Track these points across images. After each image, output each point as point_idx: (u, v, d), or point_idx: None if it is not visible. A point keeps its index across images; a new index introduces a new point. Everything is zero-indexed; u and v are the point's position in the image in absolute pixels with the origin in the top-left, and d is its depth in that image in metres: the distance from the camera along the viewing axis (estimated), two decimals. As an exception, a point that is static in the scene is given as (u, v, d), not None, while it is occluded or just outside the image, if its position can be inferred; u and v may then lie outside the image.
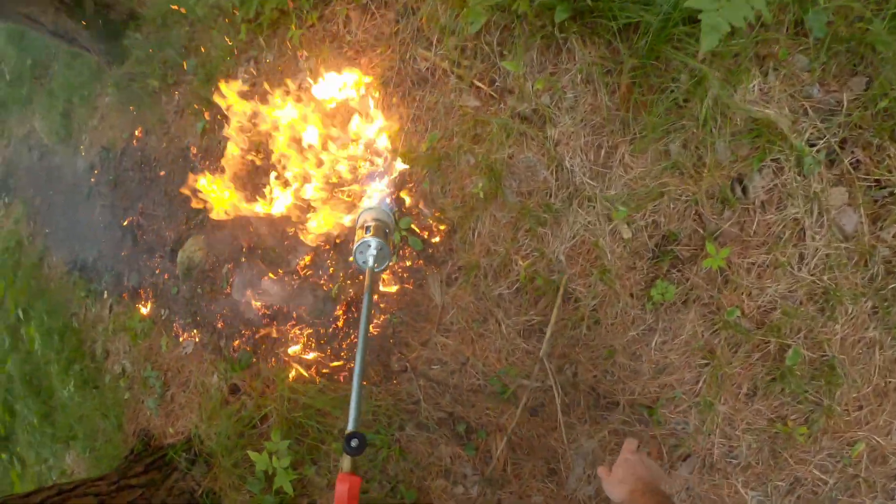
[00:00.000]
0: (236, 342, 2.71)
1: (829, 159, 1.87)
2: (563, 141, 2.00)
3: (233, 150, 2.71)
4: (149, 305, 3.27)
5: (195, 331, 2.93)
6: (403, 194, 2.26)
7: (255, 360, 2.60)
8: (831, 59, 1.89)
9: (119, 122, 3.87)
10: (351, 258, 1.59)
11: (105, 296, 3.68)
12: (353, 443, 1.14)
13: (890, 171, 1.82)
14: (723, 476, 1.91)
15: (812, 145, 1.86)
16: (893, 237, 1.82)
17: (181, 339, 2.97)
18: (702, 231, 1.90)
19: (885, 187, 1.83)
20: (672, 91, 1.87)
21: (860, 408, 1.83)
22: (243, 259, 2.73)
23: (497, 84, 2.09)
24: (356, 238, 1.55)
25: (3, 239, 5.17)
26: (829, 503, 1.89)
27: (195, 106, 3.08)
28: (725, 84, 1.86)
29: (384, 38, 2.32)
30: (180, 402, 2.85)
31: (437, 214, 2.19)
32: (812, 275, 1.85)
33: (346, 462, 1.15)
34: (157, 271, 3.30)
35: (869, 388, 1.82)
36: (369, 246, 1.50)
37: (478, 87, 2.11)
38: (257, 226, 2.67)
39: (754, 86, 1.88)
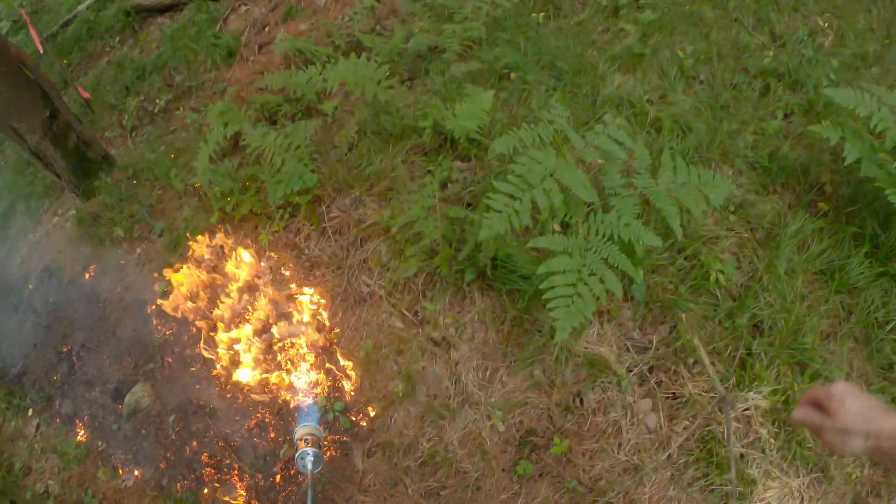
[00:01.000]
0: (178, 484, 3.12)
1: (640, 380, 2.79)
2: (461, 361, 2.82)
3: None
4: (84, 434, 3.52)
5: (136, 468, 3.27)
6: (341, 383, 2.99)
7: (198, 501, 3.07)
8: (648, 314, 2.86)
9: (70, 251, 4.17)
10: (293, 459, 2.15)
11: (30, 413, 3.84)
12: None
13: (682, 387, 2.75)
14: None
15: (630, 370, 2.78)
16: (683, 429, 2.72)
17: (120, 472, 3.30)
18: (552, 428, 2.74)
19: (678, 397, 2.75)
20: (539, 335, 2.75)
21: (672, 544, 2.68)
22: (192, 413, 3.22)
23: (419, 315, 2.90)
24: (297, 447, 2.07)
25: None
26: None
27: (156, 274, 3.59)
28: (574, 333, 2.74)
29: (336, 259, 3.08)
30: (115, 536, 3.18)
31: (363, 402, 2.92)
32: (626, 457, 2.72)
33: None
34: (95, 405, 3.57)
35: (677, 531, 2.67)
36: (308, 454, 2.03)
37: (404, 314, 2.90)
38: (206, 387, 3.27)
39: (593, 331, 2.80)
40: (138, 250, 3.80)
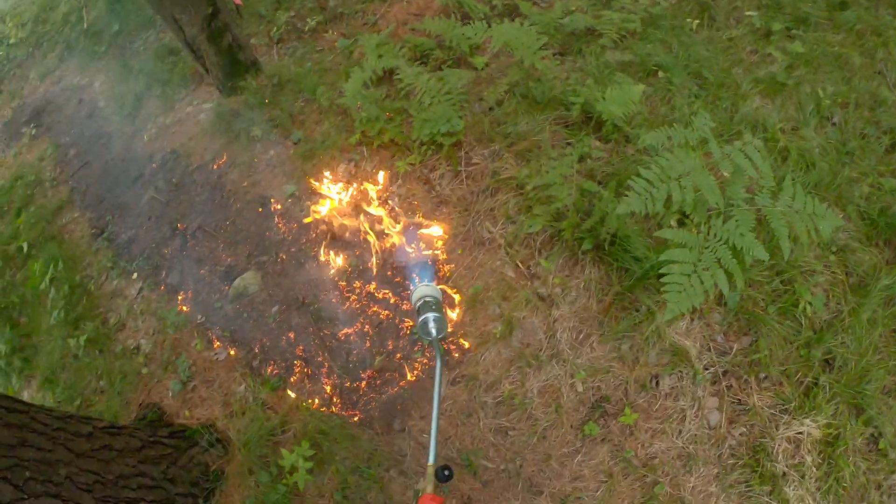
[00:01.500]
0: (269, 368, 3.44)
1: (713, 379, 3.01)
2: (559, 320, 3.07)
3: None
4: (186, 306, 3.84)
5: (230, 346, 3.59)
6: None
7: (285, 385, 3.36)
8: (735, 323, 3.07)
9: (202, 140, 4.49)
10: (414, 330, 1.96)
11: (134, 276, 4.17)
12: (447, 472, 1.40)
13: (748, 396, 2.97)
14: (595, 562, 2.95)
15: (706, 368, 3.00)
16: (739, 435, 2.95)
17: (215, 346, 3.62)
18: (625, 400, 2.98)
19: (742, 404, 2.98)
20: (635, 314, 2.99)
21: (694, 540, 2.92)
22: (295, 308, 3.54)
23: (531, 269, 3.15)
24: (418, 314, 1.87)
25: (19, 167, 5.45)
26: None
27: (286, 177, 3.89)
28: (665, 321, 2.98)
29: (464, 202, 3.34)
30: (202, 395, 3.49)
31: (460, 335, 3.19)
32: (683, 444, 2.96)
33: (430, 486, 1.41)
34: (201, 282, 3.88)
35: (703, 526, 2.91)
36: (429, 320, 1.82)
37: (517, 266, 3.15)
38: (315, 289, 3.57)
39: (683, 325, 3.03)
40: (272, 152, 4.09)
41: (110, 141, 5.16)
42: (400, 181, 3.54)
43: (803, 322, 3.09)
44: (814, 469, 2.97)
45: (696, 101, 3.50)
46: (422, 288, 1.86)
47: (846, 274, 3.27)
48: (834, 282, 3.24)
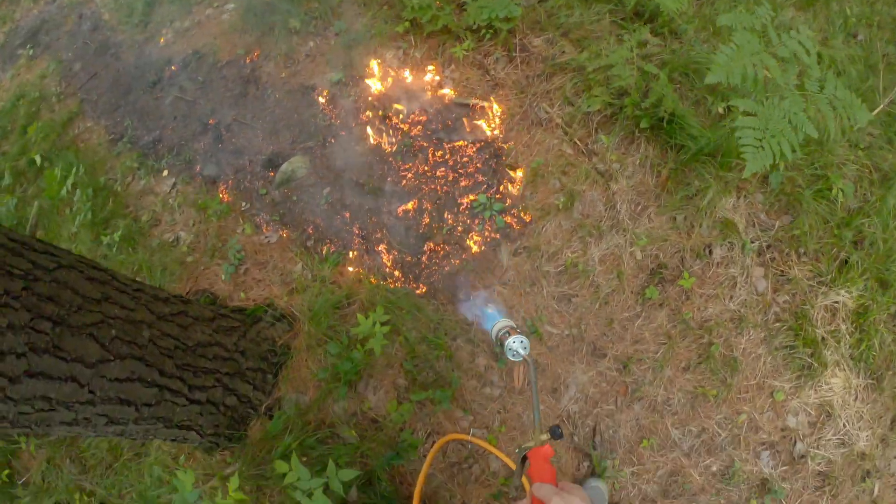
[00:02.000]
0: (326, 247, 3.43)
1: (758, 252, 3.21)
2: (618, 193, 3.20)
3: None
4: (227, 195, 3.79)
5: (281, 229, 3.55)
6: (504, 187, 3.35)
7: (345, 262, 3.36)
8: (776, 203, 3.28)
9: (227, 37, 4.39)
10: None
11: (165, 173, 4.07)
12: (558, 430, 1.42)
13: (790, 268, 3.18)
14: (660, 416, 3.05)
15: (752, 241, 3.20)
16: (783, 302, 3.16)
17: (265, 230, 3.58)
18: (681, 267, 3.15)
19: (784, 275, 3.18)
20: (689, 188, 3.16)
21: (747, 392, 3.08)
22: (348, 188, 3.51)
23: (588, 147, 3.27)
24: (503, 339, 1.92)
25: (19, 87, 5.23)
26: (721, 450, 3.10)
27: (329, 65, 3.86)
28: (718, 194, 3.16)
29: (520, 85, 3.43)
30: (255, 276, 3.46)
31: (521, 208, 3.29)
32: (735, 307, 3.15)
33: (543, 438, 1.43)
34: (242, 171, 3.82)
35: (753, 381, 3.08)
36: (516, 342, 1.86)
37: (576, 143, 3.27)
38: (368, 169, 3.57)
39: (731, 202, 3.22)
40: (311, 43, 4.05)
41: (120, 51, 4.97)
42: (453, 66, 3.59)
43: (837, 205, 3.32)
44: (847, 336, 3.21)
45: (737, 4, 3.70)
46: (498, 324, 2.01)
47: (871, 170, 3.53)
48: (861, 176, 3.49)
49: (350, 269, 3.35)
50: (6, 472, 3.74)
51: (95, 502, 3.44)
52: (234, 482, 2.68)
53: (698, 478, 3.04)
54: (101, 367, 2.18)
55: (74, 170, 4.28)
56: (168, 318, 2.65)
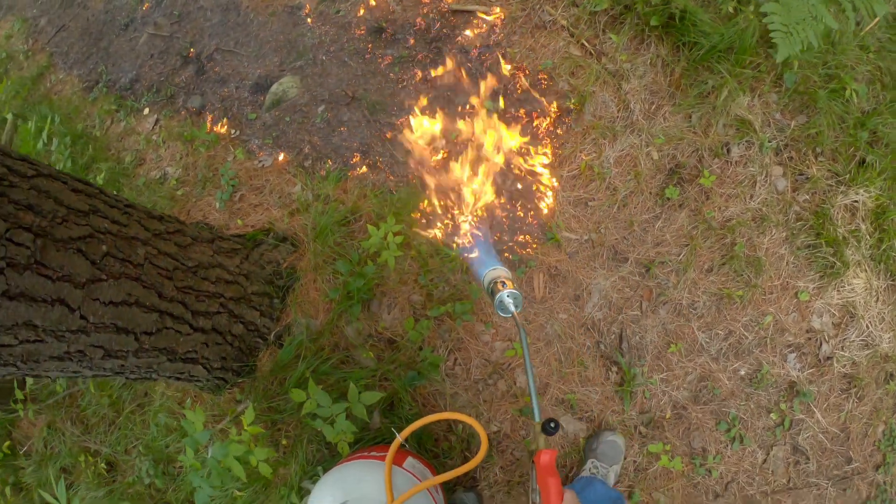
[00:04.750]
0: (327, 164, 3.24)
1: (776, 151, 3.11)
2: (630, 93, 3.07)
3: None
4: (214, 124, 3.59)
5: (276, 151, 3.36)
6: (509, 88, 3.20)
7: (347, 179, 3.17)
8: (790, 103, 3.18)
9: None
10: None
11: (146, 112, 3.86)
12: (552, 424, 1.37)
13: (808, 167, 3.08)
14: (685, 320, 2.94)
15: (770, 141, 3.09)
16: (803, 201, 3.06)
17: (259, 154, 3.39)
18: (700, 166, 3.03)
19: (803, 174, 3.09)
20: (703, 85, 3.04)
21: (772, 293, 2.99)
22: (344, 104, 3.32)
23: (597, 47, 3.13)
24: (492, 295, 1.80)
25: None
26: (748, 353, 3.00)
27: None
28: (732, 92, 3.05)
29: (521, -14, 3.28)
30: (252, 202, 3.27)
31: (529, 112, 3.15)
32: (756, 206, 3.04)
33: (540, 441, 1.39)
34: (229, 99, 3.63)
35: (778, 282, 2.99)
36: (505, 298, 1.73)
37: (583, 45, 3.12)
38: (365, 82, 3.37)
39: (746, 100, 3.10)
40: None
41: (86, 1, 4.72)
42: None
43: (851, 106, 3.24)
44: (868, 237, 3.13)
45: None
46: (491, 272, 1.84)
47: (882, 73, 3.45)
48: (873, 78, 3.40)
49: (353, 185, 3.16)
50: (6, 443, 3.53)
51: (102, 462, 3.26)
52: (249, 414, 2.48)
53: (727, 382, 2.95)
54: (92, 288, 1.95)
55: (49, 120, 4.05)
56: (164, 235, 2.43)
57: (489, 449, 2.78)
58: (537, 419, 1.41)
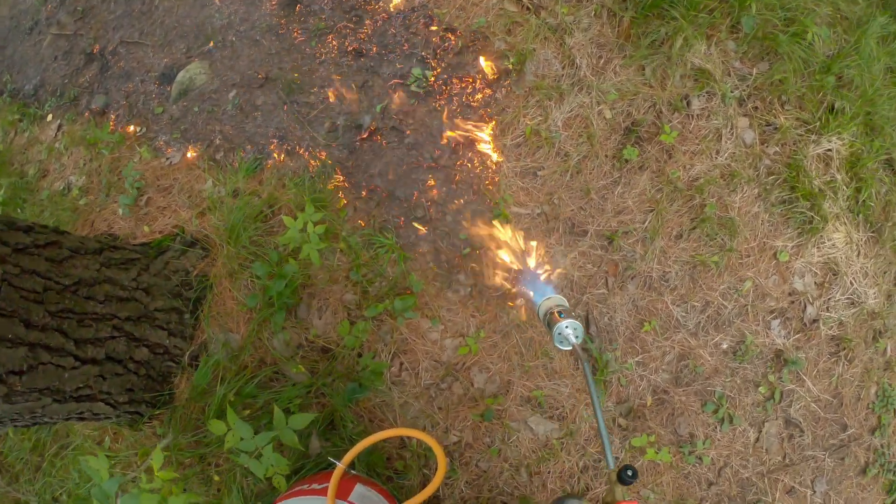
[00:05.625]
0: (235, 158, 2.88)
1: (739, 103, 2.82)
2: (575, 47, 2.75)
3: None
4: (119, 124, 3.24)
5: (184, 146, 3.01)
6: (440, 51, 2.86)
7: (262, 169, 2.82)
8: (749, 50, 2.91)
9: None
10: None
11: (49, 118, 3.54)
12: (630, 472, 1.29)
13: (775, 117, 2.81)
14: (658, 294, 2.63)
15: (732, 91, 2.80)
16: (773, 154, 2.78)
17: (167, 151, 3.03)
18: (658, 122, 2.72)
19: (770, 125, 2.81)
20: (654, 35, 2.73)
21: (749, 255, 2.70)
22: (257, 87, 2.97)
23: (534, 1, 2.81)
24: (551, 322, 1.68)
25: None
26: (729, 324, 2.72)
27: None
28: (688, 39, 2.75)
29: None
30: (159, 205, 2.89)
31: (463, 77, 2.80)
32: (724, 161, 2.75)
33: (618, 492, 1.33)
34: (134, 93, 3.29)
35: (755, 243, 2.70)
36: (567, 329, 1.64)
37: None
38: (279, 60, 3.01)
39: (702, 48, 2.81)
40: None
41: None
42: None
43: (814, 50, 2.98)
44: (844, 187, 2.91)
45: None
46: (546, 302, 1.76)
47: (844, 18, 3.21)
48: (834, 21, 3.17)
49: (269, 175, 2.78)
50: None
51: (32, 513, 2.86)
52: (157, 458, 2.09)
53: (709, 358, 2.66)
54: None
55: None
56: (30, 250, 2.05)
57: (450, 464, 2.42)
58: (611, 466, 1.33)
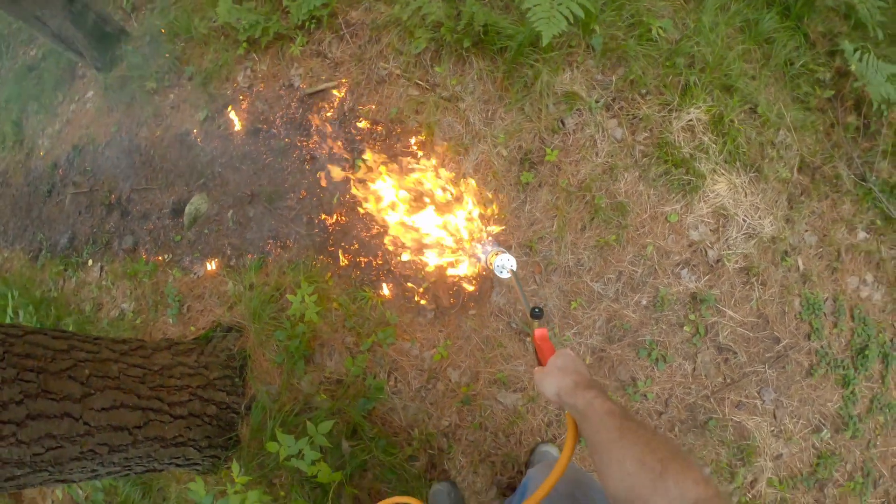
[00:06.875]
0: (245, 260, 3.75)
1: (606, 107, 3.54)
2: (468, 109, 3.53)
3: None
4: (149, 257, 4.11)
5: (205, 260, 3.88)
6: (370, 141, 3.69)
7: (266, 264, 3.68)
8: (606, 62, 3.61)
9: (99, 122, 4.74)
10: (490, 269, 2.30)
11: (90, 263, 4.40)
12: (537, 310, 1.72)
13: (638, 109, 3.50)
14: (577, 277, 3.35)
15: (597, 101, 3.52)
16: (644, 139, 3.48)
17: (193, 269, 3.91)
18: (543, 146, 3.47)
19: (636, 117, 3.51)
20: (523, 79, 3.50)
21: (643, 226, 3.38)
22: (246, 203, 3.83)
23: (430, 81, 3.61)
24: (493, 265, 2.22)
25: None
26: (643, 284, 3.37)
27: (193, 108, 4.22)
28: (551, 74, 3.49)
29: (356, 56, 3.77)
30: (198, 309, 3.78)
31: (393, 153, 3.64)
32: (603, 160, 3.46)
33: (534, 324, 1.74)
34: (155, 230, 4.14)
35: (646, 214, 3.38)
36: (503, 259, 2.18)
37: (418, 84, 3.60)
38: (257, 178, 3.89)
39: (567, 76, 3.53)
40: (171, 96, 4.39)
41: (6, 176, 5.35)
42: (296, 63, 3.92)
43: (661, 42, 3.64)
44: (713, 146, 3.51)
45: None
46: (490, 256, 2.33)
47: (682, 1, 3.86)
48: (675, 9, 3.80)
49: (272, 268, 3.66)
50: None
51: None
52: (235, 467, 2.98)
53: (633, 315, 3.35)
54: (87, 401, 2.61)
55: (10, 296, 4.57)
56: (129, 352, 3.05)
57: (449, 450, 3.22)
58: (528, 309, 1.78)
